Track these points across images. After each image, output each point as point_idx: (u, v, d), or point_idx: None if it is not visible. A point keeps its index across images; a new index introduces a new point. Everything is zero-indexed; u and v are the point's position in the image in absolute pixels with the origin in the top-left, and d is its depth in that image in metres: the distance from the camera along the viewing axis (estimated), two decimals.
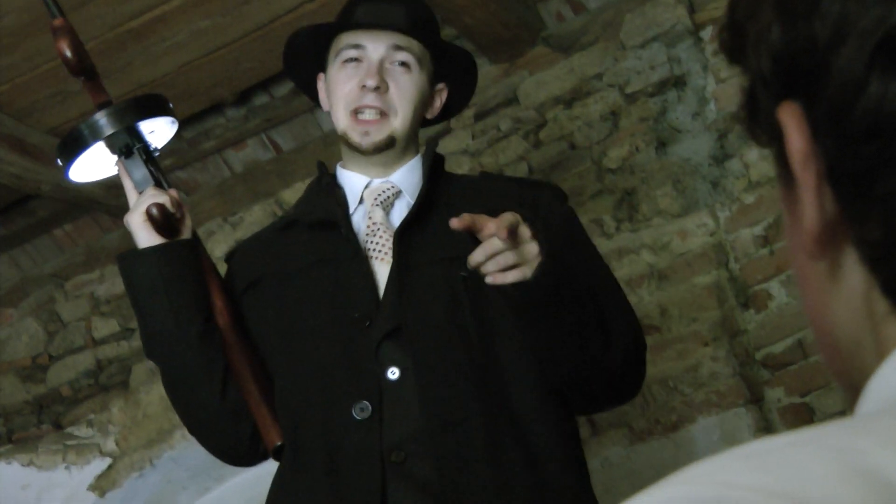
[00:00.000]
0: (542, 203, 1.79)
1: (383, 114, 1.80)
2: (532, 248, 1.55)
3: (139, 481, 3.24)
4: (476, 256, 1.53)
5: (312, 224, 1.83)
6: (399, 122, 1.81)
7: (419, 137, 1.91)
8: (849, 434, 0.43)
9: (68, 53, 1.76)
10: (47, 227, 3.49)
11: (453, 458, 1.61)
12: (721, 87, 2.80)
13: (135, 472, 3.23)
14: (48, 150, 2.94)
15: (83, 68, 1.79)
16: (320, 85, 1.91)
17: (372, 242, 1.77)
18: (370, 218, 1.80)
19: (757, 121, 0.55)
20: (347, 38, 1.83)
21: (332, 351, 1.69)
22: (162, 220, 1.73)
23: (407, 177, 1.84)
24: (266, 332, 1.78)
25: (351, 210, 1.82)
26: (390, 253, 1.74)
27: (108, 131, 1.78)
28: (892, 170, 0.48)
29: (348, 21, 1.84)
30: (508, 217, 1.53)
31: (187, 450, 3.15)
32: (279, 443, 1.70)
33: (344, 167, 1.88)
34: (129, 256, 1.77)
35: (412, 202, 1.80)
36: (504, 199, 1.78)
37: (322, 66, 1.89)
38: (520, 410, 1.66)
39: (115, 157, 1.81)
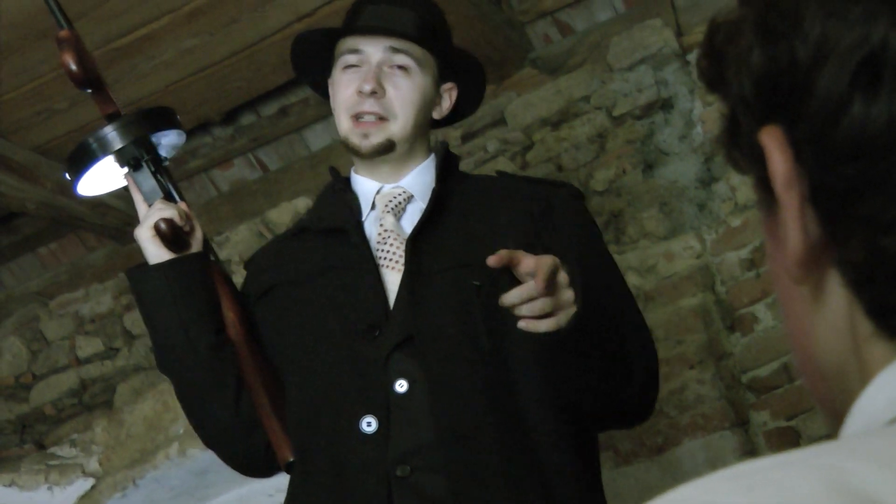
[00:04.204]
0: (557, 203, 1.77)
1: (382, 118, 1.79)
2: (568, 296, 1.51)
3: (122, 502, 3.21)
4: (511, 298, 1.48)
5: (323, 231, 1.81)
6: (398, 126, 1.79)
7: (430, 139, 1.89)
8: (834, 454, 0.43)
9: (73, 67, 1.72)
10: (32, 245, 3.47)
11: (464, 470, 1.58)
12: (708, 110, 2.81)
13: (118, 493, 3.21)
14: (33, 168, 2.94)
15: (89, 80, 1.75)
16: (330, 90, 1.89)
17: (383, 251, 1.74)
18: (381, 225, 1.78)
19: (738, 146, 0.55)
20: (347, 42, 1.83)
21: (341, 362, 1.67)
22: (171, 234, 1.72)
23: (418, 180, 1.82)
24: (277, 342, 1.76)
25: (363, 216, 1.81)
26: (401, 261, 1.71)
27: (118, 145, 1.75)
28: (875, 190, 0.48)
29: (350, 25, 1.84)
30: (548, 262, 1.47)
31: (170, 470, 3.13)
32: (290, 459, 1.69)
33: (356, 172, 1.86)
34: (138, 272, 1.76)
35: (424, 207, 1.77)
36: (519, 199, 1.77)
37: (330, 70, 1.88)
38: (531, 422, 1.63)
39: (123, 170, 1.78)
